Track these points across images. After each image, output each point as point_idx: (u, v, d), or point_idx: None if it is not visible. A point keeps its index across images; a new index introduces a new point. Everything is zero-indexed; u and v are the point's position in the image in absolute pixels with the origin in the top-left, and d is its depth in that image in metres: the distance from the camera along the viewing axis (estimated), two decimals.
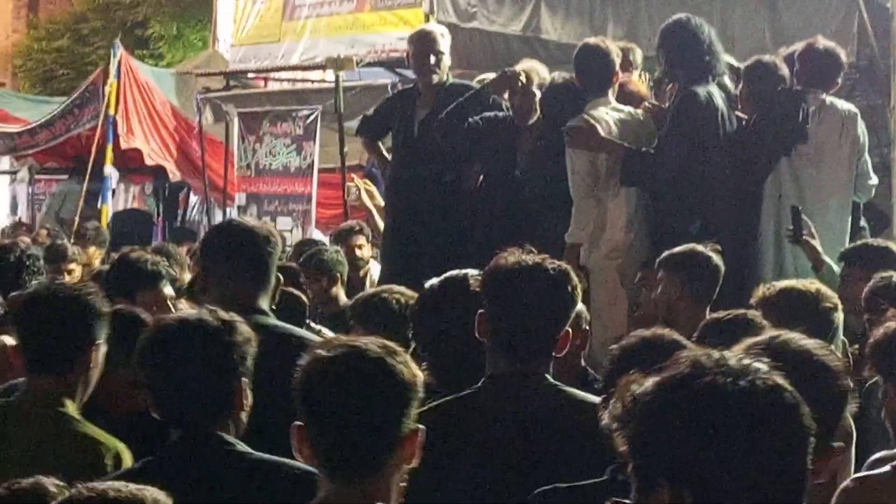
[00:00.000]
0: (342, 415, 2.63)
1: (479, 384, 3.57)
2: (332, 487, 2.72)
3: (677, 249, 5.48)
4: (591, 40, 7.38)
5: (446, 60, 7.75)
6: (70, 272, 9.11)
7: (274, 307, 4.42)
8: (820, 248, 6.39)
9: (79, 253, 10.00)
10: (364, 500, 2.67)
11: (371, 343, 2.75)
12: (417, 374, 2.78)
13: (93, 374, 3.84)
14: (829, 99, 6.89)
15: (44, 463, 3.37)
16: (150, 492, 2.41)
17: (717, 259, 5.39)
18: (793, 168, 6.71)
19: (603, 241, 6.67)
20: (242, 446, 3.21)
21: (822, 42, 7.04)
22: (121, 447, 3.62)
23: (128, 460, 3.55)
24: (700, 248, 5.45)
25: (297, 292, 6.04)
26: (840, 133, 6.86)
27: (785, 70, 6.94)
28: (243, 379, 3.21)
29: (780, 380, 1.89)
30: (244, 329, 3.24)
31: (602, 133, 6.74)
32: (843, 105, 7.02)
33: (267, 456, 3.22)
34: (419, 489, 2.90)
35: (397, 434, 2.64)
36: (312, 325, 6.21)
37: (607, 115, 6.84)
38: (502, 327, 3.55)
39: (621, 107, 7.02)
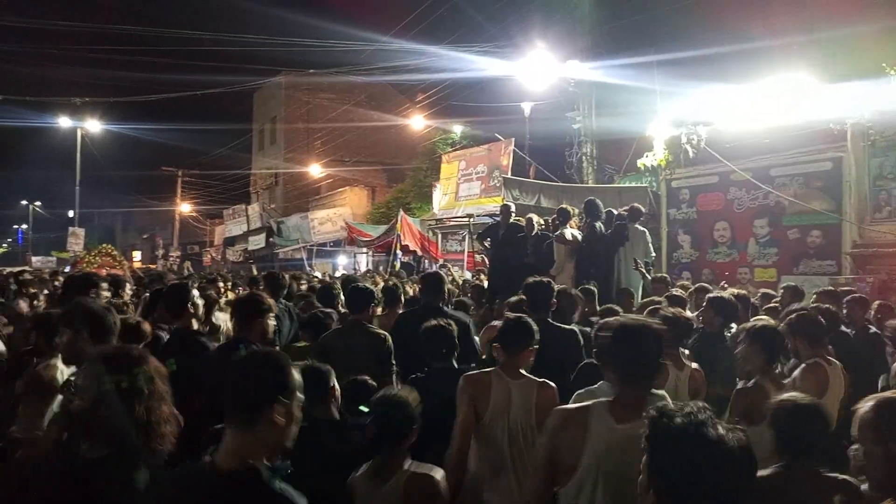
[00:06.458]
0: None
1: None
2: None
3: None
4: (563, 206, 7.09)
5: (513, 215, 7.54)
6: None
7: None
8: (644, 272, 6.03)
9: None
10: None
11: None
12: None
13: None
14: (636, 225, 6.62)
15: None
16: None
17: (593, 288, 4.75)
18: (624, 251, 6.44)
19: (563, 278, 6.28)
20: None
21: (635, 206, 6.81)
22: None
23: None
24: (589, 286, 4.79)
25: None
26: (640, 237, 6.58)
27: (622, 213, 6.73)
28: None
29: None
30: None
31: (569, 238, 6.51)
32: (640, 227, 6.73)
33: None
34: None
35: None
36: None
37: (570, 232, 6.58)
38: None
39: (572, 230, 6.72)
